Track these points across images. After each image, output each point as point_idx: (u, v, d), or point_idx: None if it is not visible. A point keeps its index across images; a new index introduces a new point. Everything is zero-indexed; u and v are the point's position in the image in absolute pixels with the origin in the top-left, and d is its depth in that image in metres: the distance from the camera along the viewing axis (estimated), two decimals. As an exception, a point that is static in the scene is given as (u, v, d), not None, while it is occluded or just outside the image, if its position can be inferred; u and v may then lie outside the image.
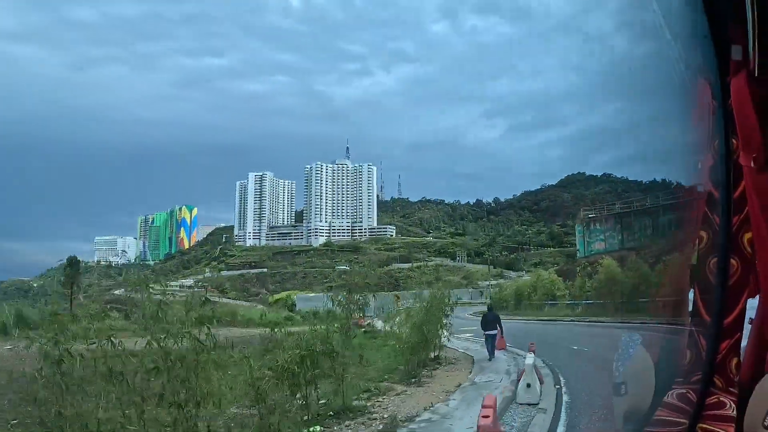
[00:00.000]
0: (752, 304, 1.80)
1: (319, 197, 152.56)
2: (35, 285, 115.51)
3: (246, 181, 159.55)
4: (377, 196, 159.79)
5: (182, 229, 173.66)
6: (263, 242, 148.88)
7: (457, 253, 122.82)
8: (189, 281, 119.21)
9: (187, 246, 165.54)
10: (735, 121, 1.65)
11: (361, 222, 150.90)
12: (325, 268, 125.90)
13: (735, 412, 1.68)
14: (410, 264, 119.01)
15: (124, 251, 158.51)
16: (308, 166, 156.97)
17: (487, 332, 18.21)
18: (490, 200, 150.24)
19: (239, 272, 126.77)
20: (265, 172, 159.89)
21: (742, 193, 1.72)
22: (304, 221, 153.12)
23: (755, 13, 1.19)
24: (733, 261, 1.79)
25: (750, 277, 1.75)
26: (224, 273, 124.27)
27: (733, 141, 1.72)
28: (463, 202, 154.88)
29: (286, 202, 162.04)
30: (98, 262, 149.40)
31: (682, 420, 1.85)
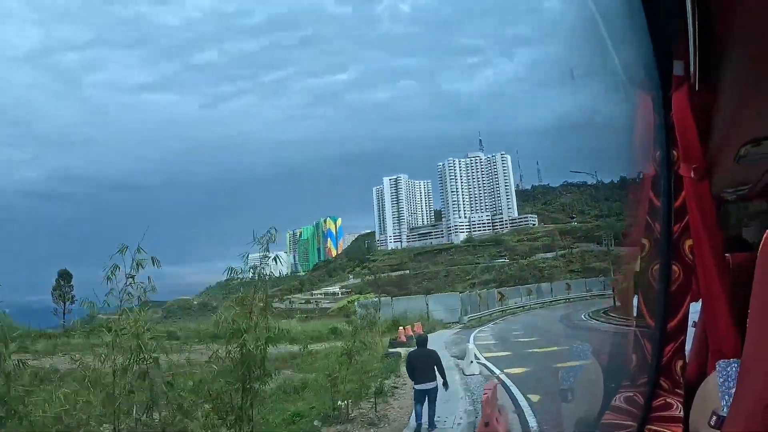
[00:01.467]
0: (695, 308, 1.90)
1: (455, 193, 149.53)
2: (195, 302, 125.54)
3: (381, 186, 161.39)
4: (517, 185, 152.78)
5: (329, 239, 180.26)
6: (404, 244, 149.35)
7: (603, 237, 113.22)
8: (335, 288, 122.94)
9: (334, 255, 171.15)
10: (676, 133, 1.73)
11: (501, 214, 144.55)
12: (467, 264, 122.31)
13: (681, 413, 1.76)
14: (554, 253, 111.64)
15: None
16: (441, 163, 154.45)
17: (418, 386, 9.93)
18: (636, 175, 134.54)
19: (381, 275, 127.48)
20: (400, 175, 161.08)
21: (682, 202, 1.82)
22: (443, 219, 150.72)
23: (696, 28, 1.24)
24: (675, 267, 1.88)
25: (691, 282, 1.85)
26: (368, 278, 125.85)
27: (674, 152, 1.81)
28: (606, 182, 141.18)
29: (423, 202, 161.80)
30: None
31: (629, 423, 1.91)
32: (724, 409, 1.14)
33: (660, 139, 1.88)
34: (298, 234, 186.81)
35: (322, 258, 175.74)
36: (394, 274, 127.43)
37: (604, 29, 1.80)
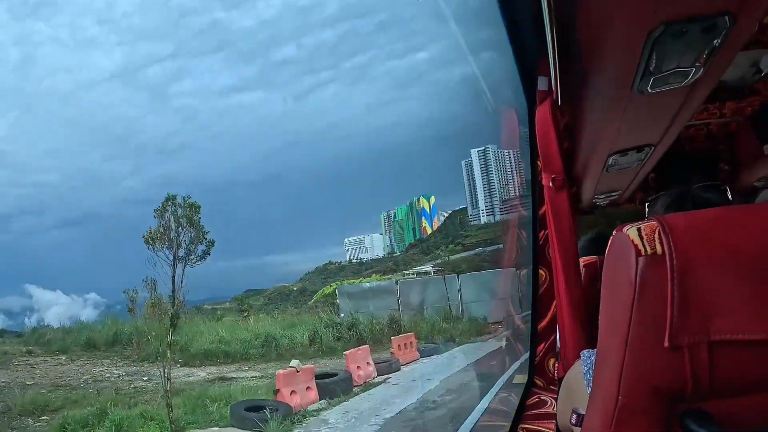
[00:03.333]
0: None
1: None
2: (295, 288, 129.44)
3: (470, 159, 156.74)
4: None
5: (423, 218, 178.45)
6: (497, 218, 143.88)
7: None
8: (427, 267, 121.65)
9: (429, 233, 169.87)
10: (538, 145, 1.83)
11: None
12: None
13: (555, 409, 1.87)
14: None
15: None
16: (526, 130, 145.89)
17: None
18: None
19: (474, 252, 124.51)
20: (487, 146, 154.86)
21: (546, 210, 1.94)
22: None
23: (556, 47, 1.31)
24: (541, 272, 2.08)
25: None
26: (461, 255, 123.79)
27: (539, 163, 1.93)
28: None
29: (514, 171, 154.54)
30: (350, 260, 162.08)
31: (503, 423, 2.48)
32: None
33: (525, 151, 2.05)
34: (392, 215, 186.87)
35: (418, 236, 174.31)
36: (488, 249, 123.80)
37: (467, 48, 2.48)
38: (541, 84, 1.66)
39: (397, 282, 27.97)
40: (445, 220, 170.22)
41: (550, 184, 1.79)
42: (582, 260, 2.18)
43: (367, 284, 32.32)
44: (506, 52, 1.71)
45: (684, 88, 1.22)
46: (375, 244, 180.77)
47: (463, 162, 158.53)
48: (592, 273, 2.19)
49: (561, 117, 1.72)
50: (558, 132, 1.71)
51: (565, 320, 1.83)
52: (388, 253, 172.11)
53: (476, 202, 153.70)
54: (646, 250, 0.86)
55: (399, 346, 14.33)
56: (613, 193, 2.25)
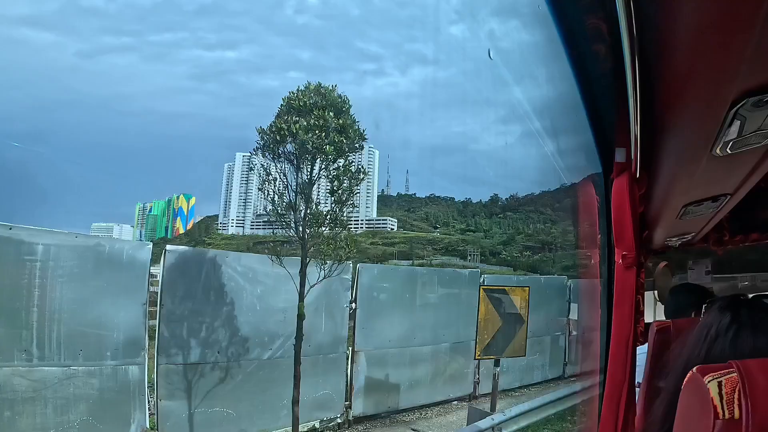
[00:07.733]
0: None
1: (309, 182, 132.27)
2: None
3: (233, 162, 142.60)
4: (382, 190, 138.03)
5: (179, 218, 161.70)
6: (247, 231, 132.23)
7: (469, 252, 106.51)
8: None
9: (180, 234, 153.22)
10: (613, 219, 1.77)
11: (357, 212, 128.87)
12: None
13: None
14: (411, 261, 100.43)
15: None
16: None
17: None
18: (506, 197, 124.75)
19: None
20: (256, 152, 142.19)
21: None
22: (295, 209, 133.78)
23: (638, 118, 1.31)
24: None
25: None
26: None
27: (613, 239, 1.87)
28: (475, 201, 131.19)
29: (279, 187, 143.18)
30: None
31: None
32: None
33: (602, 224, 1.95)
34: (149, 208, 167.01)
35: (170, 236, 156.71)
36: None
37: (548, 116, 1.92)
38: (619, 156, 1.59)
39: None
40: (195, 224, 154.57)
41: (620, 260, 1.73)
42: (655, 324, 1.95)
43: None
44: (583, 122, 1.65)
45: (764, 145, 1.15)
46: (124, 236, 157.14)
47: (225, 164, 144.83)
48: (661, 341, 1.90)
49: (638, 188, 1.64)
50: (634, 205, 1.63)
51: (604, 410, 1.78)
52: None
53: (229, 210, 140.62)
54: (724, 414, 0.78)
55: None
56: (686, 236, 2.18)
